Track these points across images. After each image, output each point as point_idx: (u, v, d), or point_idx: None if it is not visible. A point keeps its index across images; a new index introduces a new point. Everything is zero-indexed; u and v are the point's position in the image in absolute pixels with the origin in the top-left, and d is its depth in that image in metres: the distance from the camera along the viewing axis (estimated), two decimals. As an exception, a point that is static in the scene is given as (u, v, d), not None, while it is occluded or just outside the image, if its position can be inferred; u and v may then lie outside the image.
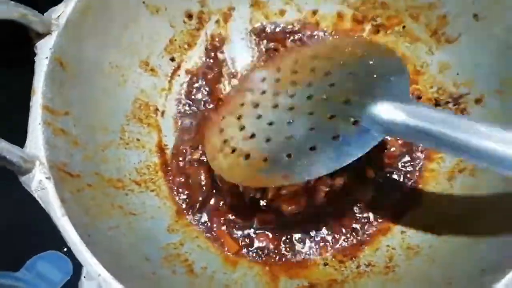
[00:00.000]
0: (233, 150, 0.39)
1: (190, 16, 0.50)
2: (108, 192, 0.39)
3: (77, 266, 0.62)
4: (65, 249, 0.62)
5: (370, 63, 0.38)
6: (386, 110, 0.34)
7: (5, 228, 0.64)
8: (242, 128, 0.40)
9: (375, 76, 0.37)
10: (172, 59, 0.50)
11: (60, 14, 0.38)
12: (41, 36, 0.37)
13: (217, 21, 0.51)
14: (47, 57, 0.37)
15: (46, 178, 0.33)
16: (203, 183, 0.45)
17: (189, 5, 0.49)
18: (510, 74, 0.40)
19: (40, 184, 0.33)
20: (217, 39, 0.52)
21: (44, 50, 0.37)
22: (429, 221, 0.41)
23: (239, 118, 0.41)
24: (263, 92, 0.42)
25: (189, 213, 0.44)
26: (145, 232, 0.40)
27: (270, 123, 0.39)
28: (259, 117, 0.40)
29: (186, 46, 0.50)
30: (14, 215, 0.63)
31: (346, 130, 0.35)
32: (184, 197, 0.45)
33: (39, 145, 0.34)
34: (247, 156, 0.38)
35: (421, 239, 0.40)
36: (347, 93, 0.37)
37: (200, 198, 0.45)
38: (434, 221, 0.40)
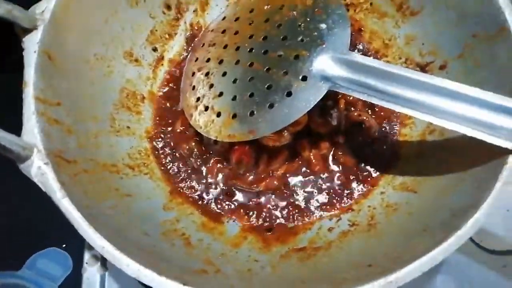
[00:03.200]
0: (206, 108, 0.45)
1: (168, 7, 0.52)
2: (104, 176, 0.41)
3: (77, 262, 0.63)
4: (64, 246, 0.64)
5: (316, 12, 0.43)
6: (329, 65, 0.39)
7: (4, 228, 0.65)
8: (211, 86, 0.45)
9: (321, 27, 0.42)
10: (155, 49, 0.52)
11: (44, 10, 0.40)
12: (27, 31, 0.39)
13: (195, 11, 0.53)
14: (35, 51, 0.38)
15: (45, 163, 0.35)
16: (193, 151, 0.48)
17: (167, -5, 0.51)
18: (469, 39, 0.43)
19: (40, 170, 0.35)
20: (196, 28, 0.54)
21: (32, 44, 0.39)
22: (404, 181, 0.44)
23: (207, 75, 0.46)
24: (225, 47, 0.47)
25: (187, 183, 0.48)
26: (142, 211, 0.42)
27: (234, 81, 0.44)
28: (224, 74, 0.45)
29: (167, 36, 0.52)
30: (12, 214, 0.64)
31: (297, 86, 0.40)
32: (179, 171, 0.48)
33: (35, 133, 0.36)
34: (219, 114, 0.44)
35: (398, 197, 0.43)
36: (296, 47, 0.42)
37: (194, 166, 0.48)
38: (409, 180, 0.44)
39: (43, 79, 0.39)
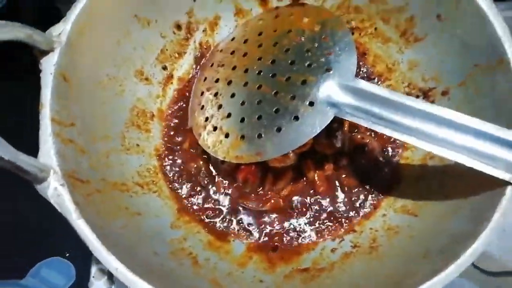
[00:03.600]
0: (215, 129, 0.46)
1: (179, 27, 0.53)
2: (114, 195, 0.43)
3: (80, 271, 0.64)
4: (67, 255, 0.65)
5: (323, 39, 0.43)
6: (336, 92, 0.40)
7: (9, 238, 0.66)
8: (219, 106, 0.46)
9: (327, 53, 0.43)
10: (164, 68, 0.53)
11: (61, 32, 0.41)
12: (44, 53, 0.40)
13: (204, 30, 0.55)
14: (51, 73, 0.40)
15: (61, 185, 0.36)
16: (201, 170, 0.50)
17: (178, 16, 0.53)
18: (471, 68, 0.45)
19: (56, 191, 0.36)
20: (205, 47, 0.55)
21: (49, 66, 0.40)
22: (406, 204, 0.45)
23: (215, 95, 0.47)
24: (234, 68, 0.48)
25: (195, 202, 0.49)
26: (151, 230, 0.43)
27: (243, 103, 0.45)
28: (232, 95, 0.46)
29: (176, 55, 0.54)
30: (17, 224, 0.65)
31: (304, 111, 0.41)
32: (187, 189, 0.49)
33: (51, 155, 0.37)
34: (227, 135, 0.45)
35: (399, 220, 0.44)
36: (304, 72, 0.43)
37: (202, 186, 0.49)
38: (410, 203, 0.45)
39: (59, 100, 0.40)
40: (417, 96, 0.50)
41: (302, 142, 0.41)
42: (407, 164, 0.48)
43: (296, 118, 0.41)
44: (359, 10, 0.52)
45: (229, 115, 0.46)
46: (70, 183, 0.37)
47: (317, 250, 0.45)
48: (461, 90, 0.46)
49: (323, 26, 0.45)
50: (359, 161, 0.49)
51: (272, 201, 0.47)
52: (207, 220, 0.48)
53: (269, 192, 0.48)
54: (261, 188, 0.48)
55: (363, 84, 0.40)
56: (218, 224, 0.47)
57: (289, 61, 0.44)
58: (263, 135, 0.43)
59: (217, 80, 0.49)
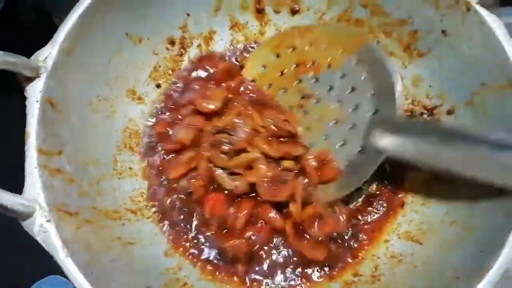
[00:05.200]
0: None
1: (172, 43, 0.51)
2: (106, 224, 0.41)
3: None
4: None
5: (372, 77, 0.43)
6: (382, 138, 0.40)
7: (8, 256, 0.65)
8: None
9: (374, 94, 0.43)
10: (158, 86, 0.51)
11: (47, 56, 0.39)
12: (29, 79, 0.39)
13: (199, 45, 0.52)
14: (37, 100, 0.38)
15: (47, 221, 0.34)
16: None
17: (171, 31, 0.51)
18: (478, 87, 0.42)
19: (42, 227, 0.34)
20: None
21: (34, 93, 0.38)
22: (410, 229, 0.43)
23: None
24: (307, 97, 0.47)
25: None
26: (144, 260, 0.42)
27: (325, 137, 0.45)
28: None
29: (170, 72, 0.52)
30: (14, 243, 0.64)
31: (355, 158, 0.42)
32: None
33: (37, 189, 0.35)
34: None
35: (403, 247, 0.43)
36: (354, 119, 0.43)
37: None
38: (413, 230, 0.43)
39: (46, 128, 0.38)
40: (422, 114, 0.48)
41: (355, 187, 0.42)
42: (412, 187, 0.46)
43: (348, 165, 0.42)
44: (360, 23, 0.50)
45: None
46: (58, 217, 0.36)
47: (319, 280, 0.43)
48: (468, 110, 0.44)
49: (360, 60, 0.44)
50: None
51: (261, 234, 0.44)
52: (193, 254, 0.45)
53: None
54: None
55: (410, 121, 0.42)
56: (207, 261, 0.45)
57: (335, 103, 0.45)
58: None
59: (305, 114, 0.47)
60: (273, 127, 0.44)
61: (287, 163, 0.43)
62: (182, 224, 0.45)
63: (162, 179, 0.47)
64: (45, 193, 0.35)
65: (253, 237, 0.42)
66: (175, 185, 0.45)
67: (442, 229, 0.41)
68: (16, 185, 0.36)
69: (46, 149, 0.38)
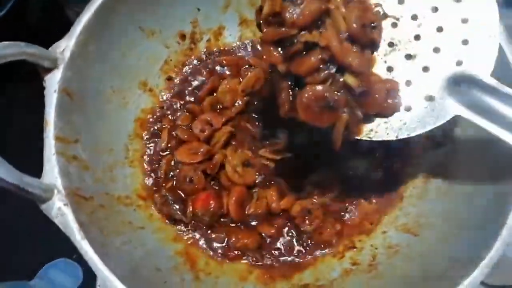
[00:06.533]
0: None
1: (183, 37, 0.53)
2: (118, 209, 0.43)
3: (87, 272, 0.65)
4: (75, 256, 0.66)
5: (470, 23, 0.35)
6: (462, 99, 0.35)
7: (17, 240, 0.68)
8: None
9: (467, 42, 0.35)
10: (169, 78, 0.53)
11: (64, 48, 0.41)
12: (48, 70, 0.40)
13: (209, 40, 0.54)
14: (55, 90, 0.40)
15: (64, 205, 0.36)
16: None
17: (182, 26, 0.52)
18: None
19: (60, 211, 0.36)
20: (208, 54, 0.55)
21: (53, 83, 0.40)
22: (407, 222, 0.45)
23: None
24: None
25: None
26: (154, 244, 0.44)
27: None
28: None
29: (180, 66, 0.53)
30: (24, 226, 0.66)
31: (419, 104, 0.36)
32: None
33: (55, 174, 0.37)
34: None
35: (400, 239, 0.45)
36: (430, 62, 0.36)
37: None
38: (411, 222, 0.45)
39: (63, 117, 0.40)
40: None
41: (409, 134, 0.36)
42: (410, 181, 0.48)
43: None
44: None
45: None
46: (74, 201, 0.38)
47: (317, 266, 0.46)
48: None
49: None
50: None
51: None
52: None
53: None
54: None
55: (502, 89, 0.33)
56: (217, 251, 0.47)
57: (414, 34, 0.36)
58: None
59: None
60: (355, 26, 0.33)
61: (350, 80, 0.34)
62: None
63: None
64: (62, 178, 0.38)
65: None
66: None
67: (438, 223, 0.43)
68: (34, 169, 0.38)
69: (63, 137, 0.40)
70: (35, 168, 0.39)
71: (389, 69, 0.37)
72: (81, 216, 0.37)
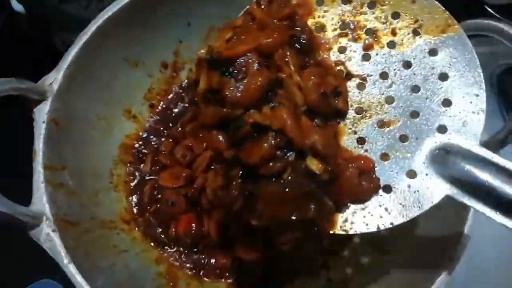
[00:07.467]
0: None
1: (165, 66, 0.56)
2: (103, 233, 0.45)
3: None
4: (58, 277, 0.66)
5: (452, 79, 0.30)
6: (451, 175, 0.29)
7: (-1, 260, 0.68)
8: None
9: (447, 102, 0.30)
10: (152, 106, 0.56)
11: (52, 81, 0.44)
12: (37, 102, 0.43)
13: (190, 69, 0.57)
14: (44, 122, 0.42)
15: (53, 231, 0.38)
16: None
17: (165, 56, 0.55)
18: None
19: (48, 236, 0.38)
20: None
21: (42, 115, 0.42)
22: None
23: None
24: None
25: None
26: (138, 266, 0.46)
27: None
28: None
29: (163, 93, 0.56)
30: (5, 247, 0.66)
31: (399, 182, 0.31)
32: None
33: (44, 202, 0.39)
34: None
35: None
36: (408, 129, 0.31)
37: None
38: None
39: (51, 146, 0.42)
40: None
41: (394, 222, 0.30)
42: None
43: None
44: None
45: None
46: (61, 227, 0.40)
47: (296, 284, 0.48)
48: None
49: (439, 49, 0.30)
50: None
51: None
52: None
53: None
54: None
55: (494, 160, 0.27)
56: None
57: (385, 97, 0.31)
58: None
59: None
60: (314, 96, 0.28)
61: (314, 165, 0.28)
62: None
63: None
64: (51, 205, 0.40)
65: None
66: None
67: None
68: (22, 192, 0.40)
69: (51, 165, 0.42)
70: (18, 193, 0.41)
71: (360, 141, 0.32)
72: (67, 241, 0.39)
